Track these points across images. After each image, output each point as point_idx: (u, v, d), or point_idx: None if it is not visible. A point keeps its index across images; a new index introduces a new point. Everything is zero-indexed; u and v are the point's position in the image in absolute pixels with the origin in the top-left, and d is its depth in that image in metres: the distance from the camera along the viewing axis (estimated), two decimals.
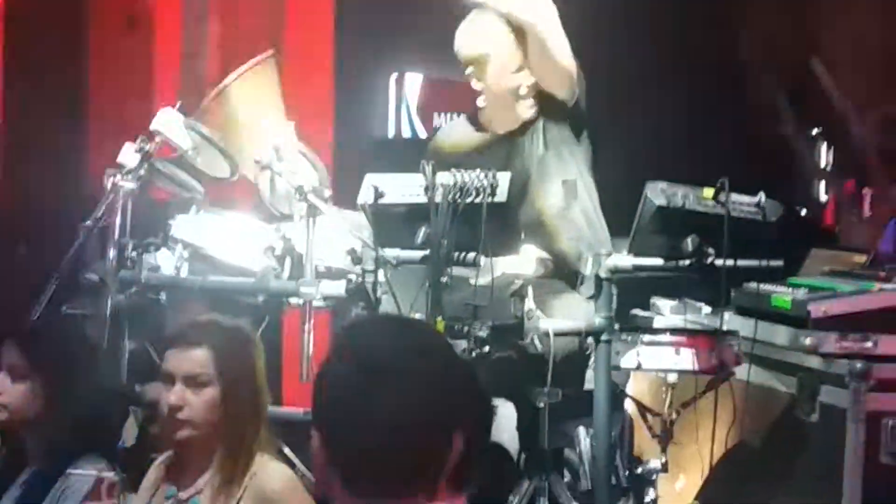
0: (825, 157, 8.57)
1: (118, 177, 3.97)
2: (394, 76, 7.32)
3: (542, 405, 3.62)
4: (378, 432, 1.85)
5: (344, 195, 4.01)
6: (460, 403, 1.91)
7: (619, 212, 4.01)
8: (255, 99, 4.07)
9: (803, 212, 8.72)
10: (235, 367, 3.02)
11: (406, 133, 7.42)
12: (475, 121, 4.17)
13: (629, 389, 3.88)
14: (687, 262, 3.50)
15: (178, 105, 4.13)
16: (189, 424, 2.99)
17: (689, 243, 3.45)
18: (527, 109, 4.04)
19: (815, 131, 8.40)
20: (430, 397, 1.88)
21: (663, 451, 3.65)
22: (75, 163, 6.06)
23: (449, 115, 6.99)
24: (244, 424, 2.99)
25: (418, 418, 1.86)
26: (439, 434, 1.88)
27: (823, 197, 8.74)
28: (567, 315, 3.72)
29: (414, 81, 7.33)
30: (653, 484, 3.66)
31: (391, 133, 7.39)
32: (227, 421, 2.99)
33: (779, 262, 3.54)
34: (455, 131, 4.27)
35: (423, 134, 7.39)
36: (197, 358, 3.00)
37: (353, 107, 7.15)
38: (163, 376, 3.05)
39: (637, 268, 3.58)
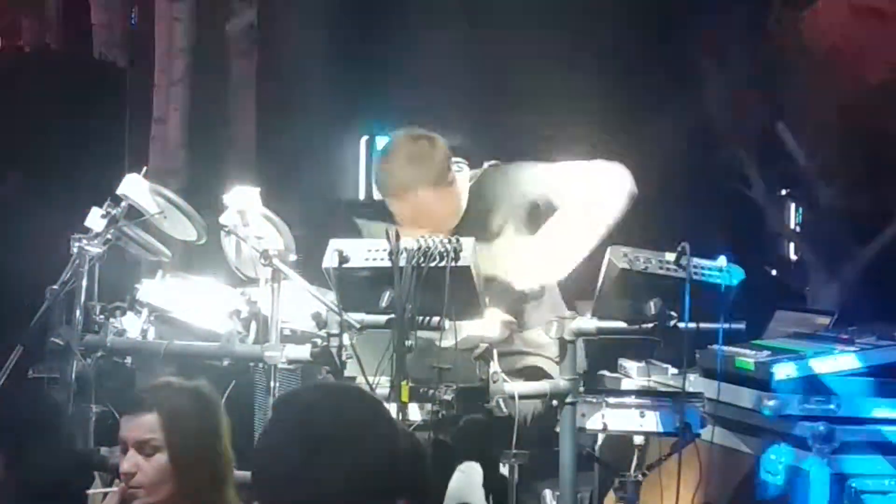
0: (794, 217, 8.65)
1: (84, 241, 3.98)
2: (364, 139, 7.38)
3: (508, 467, 3.61)
4: (320, 500, 1.86)
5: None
6: (402, 472, 1.92)
7: (584, 275, 4.03)
8: None
9: (773, 272, 8.79)
10: (187, 429, 2.98)
11: (377, 195, 7.47)
12: None
13: (599, 450, 3.88)
14: (650, 324, 3.51)
15: (144, 170, 4.16)
16: (144, 490, 2.97)
17: (652, 306, 3.46)
18: None
19: (783, 192, 8.50)
20: (371, 467, 1.89)
21: None
22: (42, 226, 6.05)
23: None
24: (203, 489, 2.96)
25: (359, 488, 1.87)
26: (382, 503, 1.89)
27: (793, 257, 8.81)
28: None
29: (384, 144, 7.39)
30: None
31: (361, 195, 7.44)
32: (182, 485, 2.96)
33: (740, 325, 3.56)
34: None
35: None
36: (146, 423, 2.98)
37: (323, 169, 7.19)
38: (120, 444, 3.04)
39: (601, 330, 3.59)
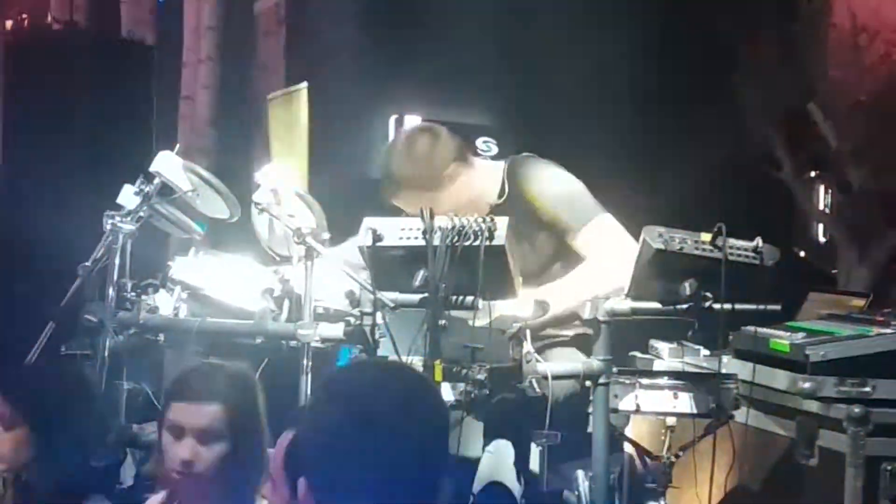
0: (823, 199, 8.61)
1: (117, 218, 3.98)
2: (393, 118, 7.36)
3: (540, 447, 3.60)
4: (373, 477, 1.85)
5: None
6: (446, 448, 1.92)
7: None
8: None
9: (802, 254, 8.75)
10: (245, 418, 3.00)
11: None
12: None
13: (629, 432, 3.87)
14: (685, 305, 3.49)
15: (176, 147, 4.16)
16: (199, 477, 2.97)
17: (687, 287, 3.45)
18: None
19: (812, 174, 8.45)
20: (423, 442, 1.88)
21: (662, 494, 3.64)
22: (71, 203, 6.07)
23: None
24: (251, 470, 2.96)
25: (412, 463, 1.87)
26: (431, 479, 1.89)
27: (822, 239, 8.77)
28: None
29: (413, 123, 7.37)
30: None
31: None
32: (236, 470, 2.96)
33: (776, 306, 3.54)
34: None
35: None
36: (209, 413, 2.97)
37: (352, 147, 7.18)
38: (170, 428, 3.02)
39: (635, 311, 3.58)
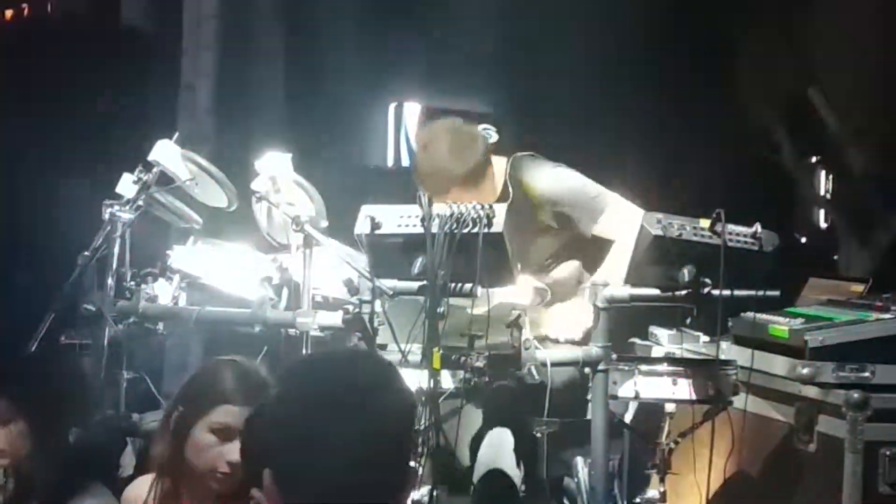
0: (824, 184, 8.60)
1: (116, 207, 3.98)
2: (393, 105, 7.36)
3: (539, 434, 3.60)
4: (337, 465, 1.85)
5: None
6: (412, 437, 1.92)
7: None
8: None
9: (803, 240, 8.75)
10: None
11: (405, 162, 7.45)
12: None
13: (629, 418, 3.87)
14: (683, 292, 3.49)
15: (175, 136, 4.15)
16: (237, 480, 2.95)
17: (686, 273, 3.44)
18: None
19: (813, 159, 8.44)
20: (386, 428, 1.89)
21: (661, 480, 3.64)
22: (70, 192, 6.07)
23: None
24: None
25: (377, 450, 1.87)
26: (396, 465, 1.89)
27: (823, 224, 8.77)
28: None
29: (413, 111, 7.36)
30: None
31: (390, 162, 7.42)
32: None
33: (775, 293, 3.54)
34: None
35: None
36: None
37: (351, 135, 7.17)
38: (216, 430, 2.98)
39: (634, 298, 3.58)
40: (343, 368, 1.98)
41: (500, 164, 4.11)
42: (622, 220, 3.99)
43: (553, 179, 4.07)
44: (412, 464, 1.94)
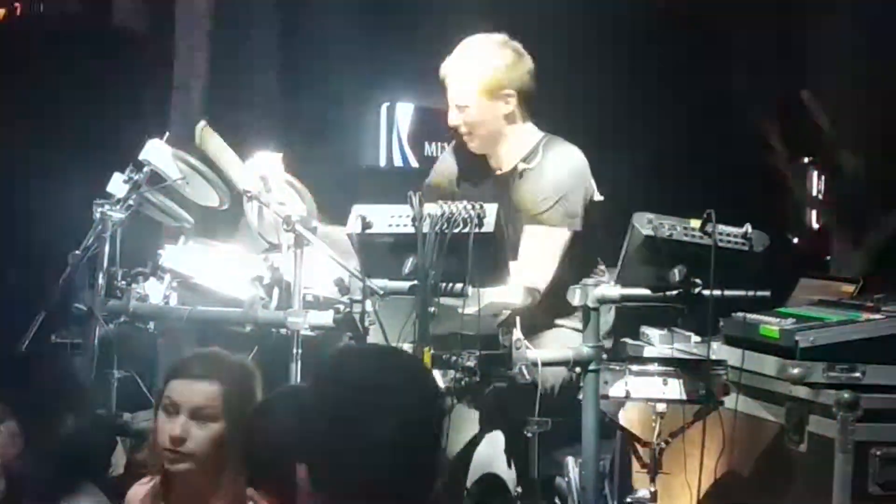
0: (816, 185, 8.60)
1: (107, 207, 3.98)
2: (385, 105, 7.36)
3: (530, 434, 3.61)
4: (372, 458, 1.87)
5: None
6: (443, 427, 1.95)
7: (607, 242, 4.02)
8: None
9: (795, 240, 8.76)
10: (241, 402, 2.96)
11: (397, 162, 7.45)
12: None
13: (620, 418, 3.87)
14: (674, 292, 3.50)
15: (166, 136, 4.15)
16: (190, 458, 2.94)
17: (677, 273, 3.45)
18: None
19: (806, 160, 8.44)
20: (424, 425, 1.92)
21: (652, 480, 3.65)
22: (62, 192, 6.05)
23: (440, 144, 7.02)
24: (236, 462, 2.87)
25: (414, 446, 1.90)
26: (431, 460, 1.89)
27: (815, 225, 8.77)
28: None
29: (405, 111, 7.37)
30: None
31: (382, 162, 7.42)
32: (228, 456, 2.92)
33: (766, 293, 3.54)
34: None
35: (414, 163, 7.42)
36: (205, 390, 2.96)
37: (343, 135, 7.17)
38: (166, 406, 3.00)
39: (624, 298, 3.58)
40: (378, 362, 2.00)
41: (534, 137, 4.08)
42: (531, 249, 3.90)
43: (559, 163, 3.99)
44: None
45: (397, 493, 1.90)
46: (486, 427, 3.89)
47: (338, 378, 1.96)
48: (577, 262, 3.95)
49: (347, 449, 1.88)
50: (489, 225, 3.39)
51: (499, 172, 4.07)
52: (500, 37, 4.09)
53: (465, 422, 3.82)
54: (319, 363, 2.23)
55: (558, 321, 3.97)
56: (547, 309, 3.87)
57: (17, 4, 8.87)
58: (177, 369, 3.05)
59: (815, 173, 8.57)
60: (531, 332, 3.67)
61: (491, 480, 3.90)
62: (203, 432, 2.94)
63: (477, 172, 4.11)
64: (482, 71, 3.99)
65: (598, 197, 4.05)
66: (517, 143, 4.04)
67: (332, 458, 1.89)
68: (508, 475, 3.91)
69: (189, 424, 2.95)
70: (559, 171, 3.95)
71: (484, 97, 3.99)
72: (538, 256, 3.86)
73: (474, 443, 3.87)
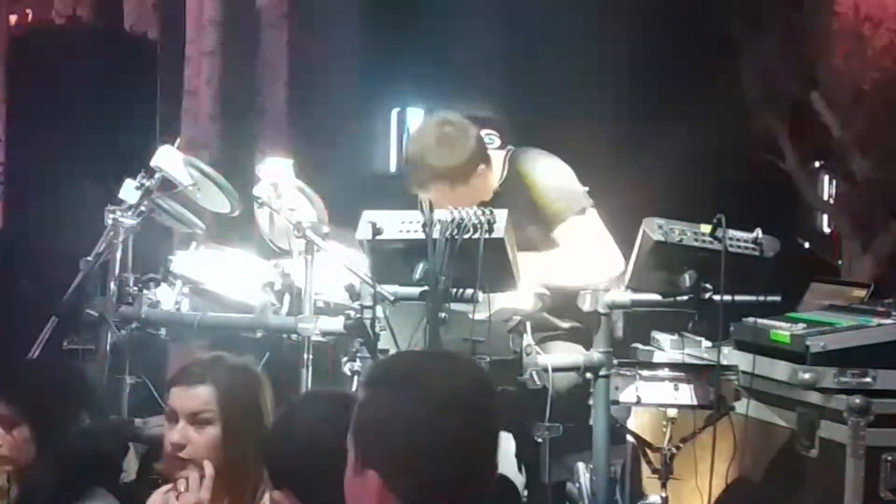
0: (827, 190, 8.59)
1: (118, 213, 3.99)
2: (395, 111, 7.36)
3: (541, 440, 3.61)
4: (449, 462, 1.89)
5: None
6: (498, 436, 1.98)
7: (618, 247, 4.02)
8: None
9: (806, 245, 8.74)
10: (239, 405, 2.97)
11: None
12: None
13: (631, 424, 3.87)
14: (685, 297, 3.50)
15: (177, 142, 4.16)
16: (192, 464, 2.96)
17: (687, 279, 3.45)
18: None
19: (816, 164, 8.43)
20: (491, 432, 1.95)
21: (663, 485, 3.64)
22: (74, 198, 6.08)
23: None
24: (249, 464, 2.90)
25: (483, 453, 1.93)
26: (489, 466, 1.95)
27: (826, 230, 8.75)
28: None
29: (415, 116, 7.37)
30: None
31: (393, 168, 7.43)
32: (230, 460, 2.94)
33: (776, 298, 3.54)
34: None
35: None
36: (200, 395, 2.96)
37: (354, 141, 7.17)
38: (168, 414, 3.03)
39: (635, 303, 3.59)
40: (441, 367, 2.01)
41: (498, 158, 4.10)
42: (582, 234, 3.94)
43: (551, 168, 4.04)
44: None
45: (469, 491, 1.93)
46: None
47: (404, 386, 1.96)
48: None
49: (423, 452, 1.89)
50: (499, 230, 3.40)
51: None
52: (445, 121, 4.02)
53: None
54: (375, 367, 2.25)
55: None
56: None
57: (28, 11, 8.90)
58: (175, 376, 3.07)
59: (826, 177, 8.56)
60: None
61: (500, 484, 3.90)
62: (201, 437, 2.95)
63: None
64: (452, 170, 3.93)
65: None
66: (492, 175, 4.07)
67: (410, 462, 1.90)
68: (518, 480, 3.91)
69: (188, 430, 2.96)
70: (548, 171, 4.02)
71: (460, 185, 3.96)
72: (595, 242, 3.90)
73: None
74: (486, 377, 2.03)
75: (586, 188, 4.06)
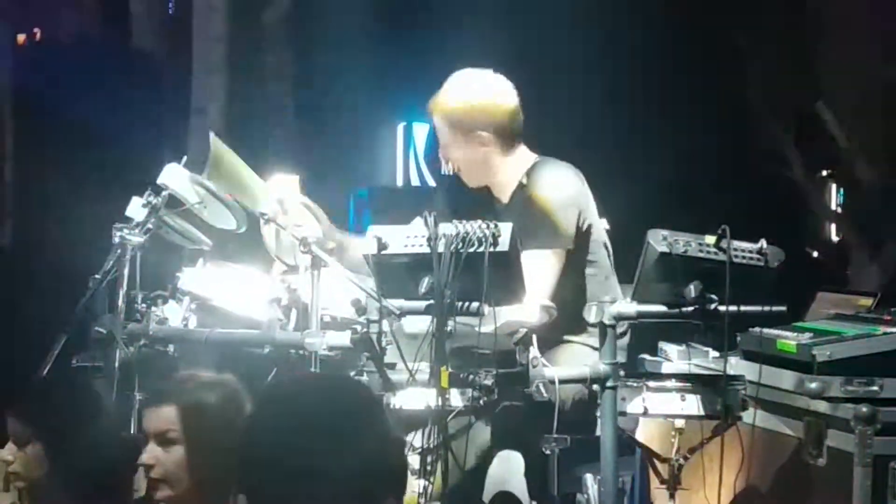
0: (835, 198, 8.59)
1: (125, 230, 4.01)
2: (401, 126, 7.39)
3: (549, 452, 3.61)
4: (316, 493, 1.82)
5: None
6: (394, 467, 1.89)
7: (623, 259, 4.03)
8: None
9: (814, 254, 8.74)
10: (206, 423, 2.96)
11: (415, 181, 7.48)
12: None
13: (639, 435, 3.87)
14: (690, 308, 3.50)
15: (183, 160, 4.18)
16: (164, 483, 2.95)
17: (692, 290, 3.45)
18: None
19: (824, 173, 8.43)
20: (365, 460, 1.85)
21: (672, 496, 3.65)
22: (82, 216, 6.10)
23: None
24: (222, 484, 2.85)
25: (351, 483, 1.83)
26: (376, 495, 1.86)
27: (835, 238, 8.76)
28: None
29: (421, 130, 7.40)
30: None
31: (399, 182, 7.46)
32: (200, 479, 2.93)
33: (781, 308, 3.54)
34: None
35: (431, 182, 7.45)
36: (164, 415, 2.97)
37: (360, 156, 7.20)
38: (144, 435, 3.04)
39: (641, 315, 3.59)
40: (322, 392, 1.94)
41: (521, 165, 4.09)
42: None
43: (551, 184, 4.00)
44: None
45: None
46: (499, 444, 3.90)
47: (275, 411, 1.91)
48: (592, 280, 3.97)
49: (286, 483, 1.83)
50: (504, 244, 3.40)
51: (499, 205, 4.09)
52: (481, 75, 4.07)
53: (481, 440, 3.83)
54: (261, 393, 2.19)
55: (568, 337, 3.98)
56: (557, 326, 3.87)
57: (37, 30, 8.95)
58: (148, 397, 3.09)
59: (833, 186, 8.56)
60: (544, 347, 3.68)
61: (506, 499, 3.91)
62: (168, 456, 2.96)
63: (480, 205, 4.12)
64: (453, 111, 4.02)
65: (600, 222, 4.04)
66: (513, 172, 4.06)
67: (273, 492, 1.85)
68: (523, 493, 3.91)
69: (156, 451, 2.97)
70: (542, 193, 3.96)
71: (458, 135, 4.01)
72: (533, 279, 3.78)
73: (489, 460, 3.87)
74: (364, 405, 1.94)
75: (592, 222, 4.01)
